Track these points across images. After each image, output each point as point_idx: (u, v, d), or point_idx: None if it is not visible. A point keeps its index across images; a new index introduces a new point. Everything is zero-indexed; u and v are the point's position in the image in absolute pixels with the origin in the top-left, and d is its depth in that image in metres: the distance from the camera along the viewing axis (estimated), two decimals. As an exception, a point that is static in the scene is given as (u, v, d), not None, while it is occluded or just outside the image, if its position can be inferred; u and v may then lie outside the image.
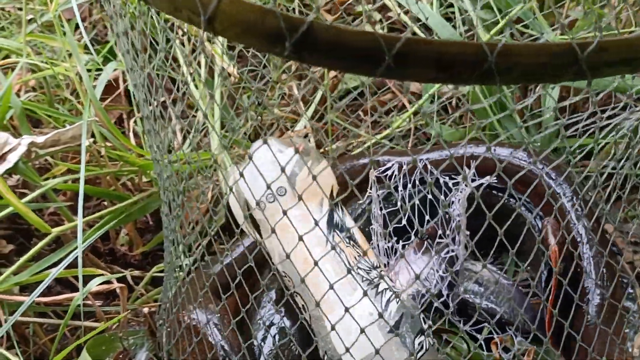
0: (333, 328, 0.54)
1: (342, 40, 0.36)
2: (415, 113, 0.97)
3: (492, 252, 0.61)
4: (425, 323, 0.65)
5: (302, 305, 0.66)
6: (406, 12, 1.02)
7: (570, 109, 0.86)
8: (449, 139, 0.95)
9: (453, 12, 0.97)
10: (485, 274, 0.78)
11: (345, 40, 0.36)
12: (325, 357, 0.64)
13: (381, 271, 0.66)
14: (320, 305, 0.56)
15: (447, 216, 0.73)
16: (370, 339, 0.55)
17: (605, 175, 0.73)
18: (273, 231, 0.53)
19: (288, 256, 0.55)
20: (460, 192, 0.71)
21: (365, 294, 0.53)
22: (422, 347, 0.63)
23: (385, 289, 0.64)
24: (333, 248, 0.56)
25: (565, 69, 0.39)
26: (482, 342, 0.70)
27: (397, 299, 0.62)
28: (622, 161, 0.72)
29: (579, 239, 0.71)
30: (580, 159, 0.85)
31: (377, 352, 0.55)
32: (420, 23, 0.94)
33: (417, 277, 0.49)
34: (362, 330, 0.53)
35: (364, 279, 0.64)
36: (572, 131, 0.83)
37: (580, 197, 0.72)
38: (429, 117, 0.95)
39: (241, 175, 0.54)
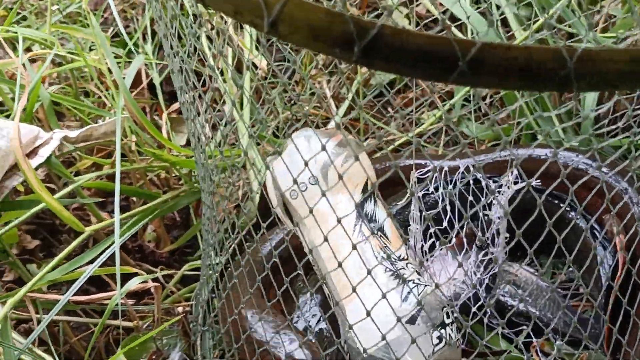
0: (336, 302, 0.53)
1: (414, 45, 0.34)
2: (447, 110, 0.95)
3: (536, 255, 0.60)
4: (449, 317, 0.63)
5: (329, 295, 0.66)
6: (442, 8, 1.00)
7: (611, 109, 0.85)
8: (482, 139, 0.94)
9: (481, 6, 0.95)
10: (523, 276, 0.76)
11: (417, 45, 0.34)
12: (345, 346, 0.63)
13: (408, 263, 0.65)
14: (339, 292, 0.55)
15: (487, 218, 0.71)
16: (380, 328, 0.53)
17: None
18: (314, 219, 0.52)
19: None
20: (502, 194, 0.70)
21: (404, 281, 0.52)
22: (440, 341, 0.62)
23: (409, 281, 0.63)
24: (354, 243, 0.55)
25: (643, 75, 0.37)
26: (522, 346, 0.69)
27: (418, 292, 0.61)
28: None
29: None
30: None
31: (383, 337, 0.53)
32: (457, 24, 0.92)
33: (475, 286, 0.48)
34: (368, 314, 0.52)
35: (387, 269, 0.63)
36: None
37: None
38: (462, 117, 0.94)
39: (267, 167, 0.54)
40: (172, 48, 0.56)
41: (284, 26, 0.35)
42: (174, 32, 0.51)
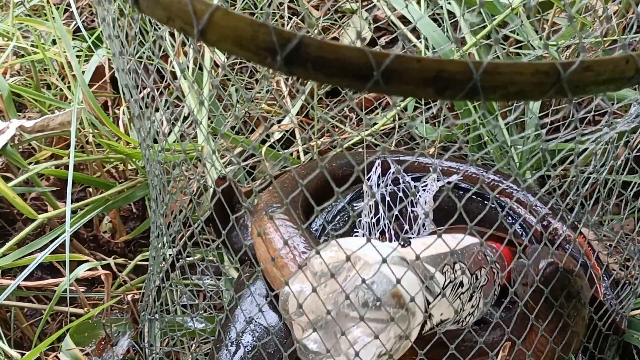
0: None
1: (332, 55, 0.37)
2: (401, 110, 0.98)
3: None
4: None
5: None
6: (394, 11, 1.03)
7: (553, 113, 0.88)
8: (432, 138, 0.97)
9: (440, 14, 0.98)
10: None
11: (335, 56, 0.37)
12: None
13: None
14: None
15: (415, 214, 0.76)
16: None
17: (583, 181, 0.75)
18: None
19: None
20: (427, 192, 0.74)
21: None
22: None
23: None
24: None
25: (548, 87, 0.40)
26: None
27: None
28: (600, 168, 0.74)
29: None
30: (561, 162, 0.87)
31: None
32: (411, 26, 0.95)
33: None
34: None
35: None
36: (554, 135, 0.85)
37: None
38: (413, 117, 0.97)
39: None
40: (122, 46, 0.58)
41: (212, 34, 0.38)
42: (118, 34, 0.54)
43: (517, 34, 0.93)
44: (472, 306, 0.62)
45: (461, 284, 0.60)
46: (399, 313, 0.52)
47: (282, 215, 0.68)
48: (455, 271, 0.60)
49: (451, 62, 0.38)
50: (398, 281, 0.49)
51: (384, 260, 0.48)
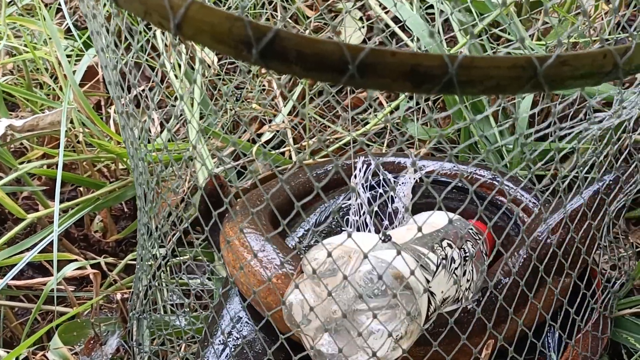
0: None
1: (307, 49, 0.37)
2: (391, 111, 0.98)
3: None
4: None
5: None
6: (386, 11, 1.03)
7: (544, 113, 0.88)
8: (424, 138, 0.97)
9: (433, 13, 0.98)
10: None
11: (311, 50, 0.37)
12: None
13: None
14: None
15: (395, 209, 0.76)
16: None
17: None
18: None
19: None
20: (404, 184, 0.75)
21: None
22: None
23: None
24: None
25: (524, 81, 0.40)
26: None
27: None
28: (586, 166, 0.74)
29: None
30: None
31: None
32: (400, 24, 0.95)
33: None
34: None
35: None
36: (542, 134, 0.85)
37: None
38: (405, 117, 0.97)
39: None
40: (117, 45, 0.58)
41: (188, 28, 0.38)
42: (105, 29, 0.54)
43: (509, 33, 0.93)
44: (467, 280, 0.62)
45: (452, 260, 0.61)
46: (404, 293, 0.53)
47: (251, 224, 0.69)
48: (444, 248, 0.61)
49: (426, 56, 0.38)
50: (411, 270, 0.49)
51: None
